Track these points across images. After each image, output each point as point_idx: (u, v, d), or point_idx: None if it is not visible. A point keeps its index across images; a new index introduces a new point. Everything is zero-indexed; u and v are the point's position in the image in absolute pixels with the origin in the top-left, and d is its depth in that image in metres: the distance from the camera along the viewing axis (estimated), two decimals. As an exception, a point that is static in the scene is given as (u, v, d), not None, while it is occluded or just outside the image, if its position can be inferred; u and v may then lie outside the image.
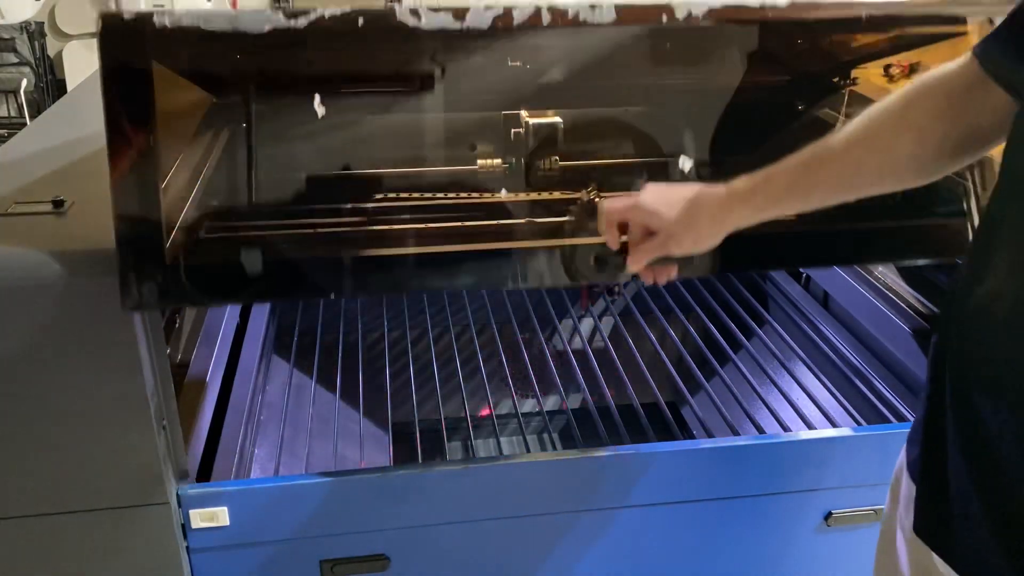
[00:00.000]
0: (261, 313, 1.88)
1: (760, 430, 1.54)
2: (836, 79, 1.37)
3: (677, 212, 0.98)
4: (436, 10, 1.01)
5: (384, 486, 1.25)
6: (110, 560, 1.21)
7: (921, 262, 1.50)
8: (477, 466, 1.27)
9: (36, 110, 4.33)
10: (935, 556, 0.84)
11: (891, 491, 0.96)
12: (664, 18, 1.09)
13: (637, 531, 1.34)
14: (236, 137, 1.22)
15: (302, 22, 1.00)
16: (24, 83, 4.28)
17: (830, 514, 1.37)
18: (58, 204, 1.16)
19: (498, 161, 1.30)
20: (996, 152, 0.85)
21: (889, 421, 1.52)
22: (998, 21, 0.82)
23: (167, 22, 0.97)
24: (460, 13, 1.02)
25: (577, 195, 1.23)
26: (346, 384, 1.82)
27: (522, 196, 1.28)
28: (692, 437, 1.61)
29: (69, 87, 4.35)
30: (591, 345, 2.00)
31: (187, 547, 1.23)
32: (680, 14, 1.09)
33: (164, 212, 1.04)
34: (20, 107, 4.28)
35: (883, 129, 0.90)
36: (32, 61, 4.33)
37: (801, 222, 1.07)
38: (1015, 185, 0.77)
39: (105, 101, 0.98)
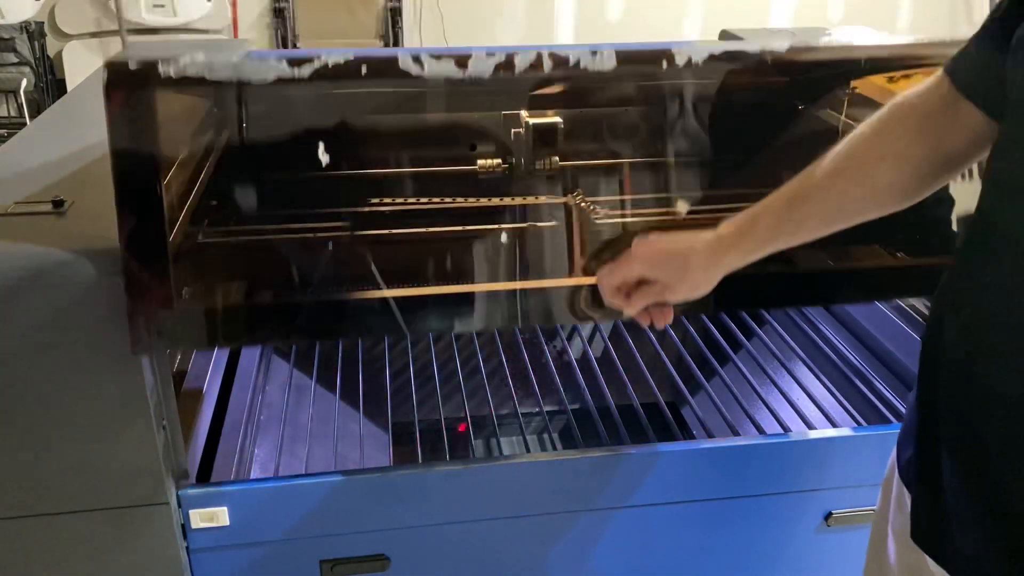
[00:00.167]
0: (261, 313, 1.88)
1: (760, 430, 1.54)
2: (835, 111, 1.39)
3: (669, 265, 0.99)
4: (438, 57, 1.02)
5: (384, 486, 1.25)
6: (110, 560, 1.21)
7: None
8: (477, 466, 1.28)
9: (36, 110, 4.33)
10: (927, 558, 0.84)
11: (883, 488, 0.96)
12: (664, 64, 1.10)
13: (637, 531, 1.34)
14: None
15: (306, 71, 1.00)
16: (24, 83, 4.28)
17: (830, 514, 1.37)
18: (58, 204, 1.16)
19: (498, 161, 1.30)
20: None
21: (889, 421, 1.52)
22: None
23: (172, 72, 0.98)
24: (462, 61, 1.03)
25: (564, 200, 1.24)
26: (346, 384, 1.82)
27: (518, 200, 1.28)
28: (692, 437, 1.61)
29: (69, 87, 4.35)
30: (591, 345, 2.00)
31: (187, 547, 1.23)
32: (680, 60, 1.09)
33: (170, 255, 1.06)
34: (20, 107, 4.28)
35: (861, 159, 0.90)
36: (32, 61, 4.33)
37: (799, 260, 1.09)
38: (999, 188, 0.77)
39: (112, 149, 0.99)
